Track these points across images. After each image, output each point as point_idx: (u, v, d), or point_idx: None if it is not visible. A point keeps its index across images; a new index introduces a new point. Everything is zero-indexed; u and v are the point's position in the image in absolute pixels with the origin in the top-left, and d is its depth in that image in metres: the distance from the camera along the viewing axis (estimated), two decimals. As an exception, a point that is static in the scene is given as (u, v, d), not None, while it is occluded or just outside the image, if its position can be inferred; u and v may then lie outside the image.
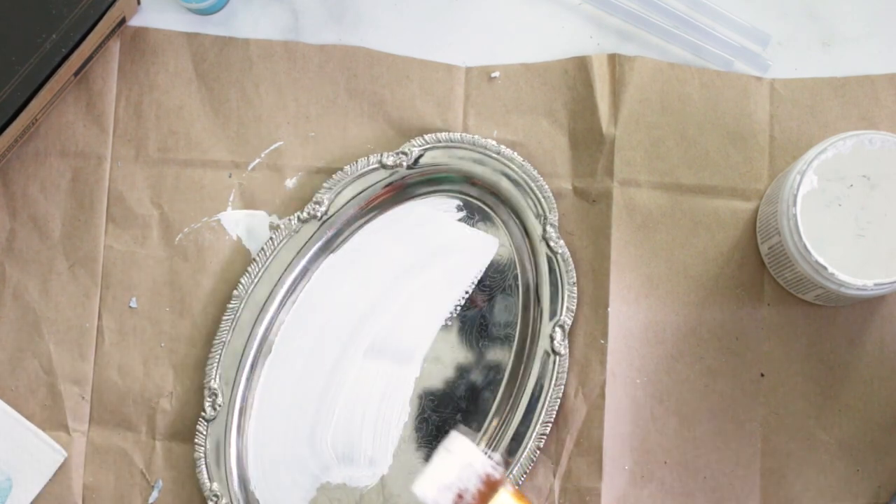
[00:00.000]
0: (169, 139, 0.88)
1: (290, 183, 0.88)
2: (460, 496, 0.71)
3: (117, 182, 0.88)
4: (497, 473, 0.72)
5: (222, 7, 0.89)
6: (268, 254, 0.86)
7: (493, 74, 0.88)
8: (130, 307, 0.87)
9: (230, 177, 0.88)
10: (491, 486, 0.71)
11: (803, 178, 0.78)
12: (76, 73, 0.86)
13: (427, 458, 0.85)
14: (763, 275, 0.86)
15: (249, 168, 0.88)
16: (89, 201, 0.88)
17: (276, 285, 0.86)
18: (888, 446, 0.85)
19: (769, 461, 0.85)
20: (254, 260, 0.86)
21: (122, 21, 0.88)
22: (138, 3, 0.88)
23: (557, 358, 0.84)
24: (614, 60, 0.88)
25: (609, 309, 0.85)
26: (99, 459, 0.86)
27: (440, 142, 0.86)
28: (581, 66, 0.88)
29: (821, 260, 0.77)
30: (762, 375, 0.85)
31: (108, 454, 0.86)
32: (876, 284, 0.77)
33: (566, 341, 0.85)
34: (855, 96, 0.87)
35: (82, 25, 0.83)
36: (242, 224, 0.87)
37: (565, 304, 0.85)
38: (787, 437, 0.85)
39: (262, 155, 0.88)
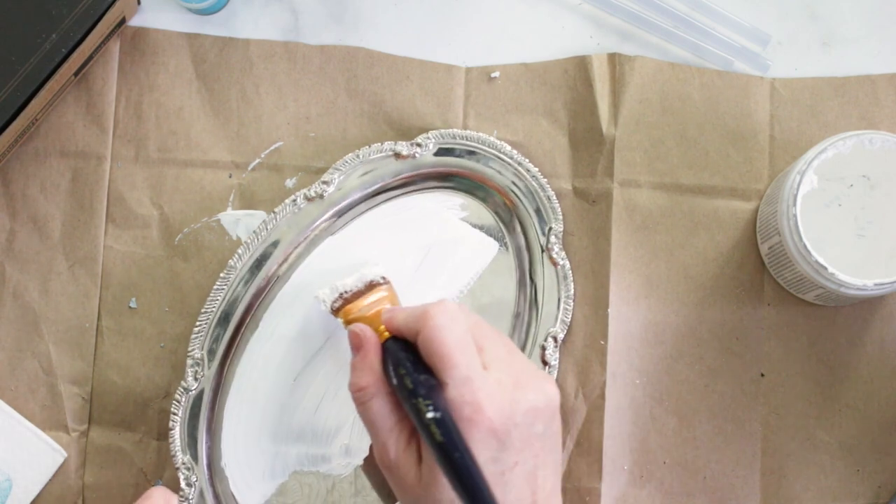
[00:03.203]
0: (169, 139, 0.88)
1: (290, 183, 0.88)
2: (342, 295, 0.80)
3: (117, 182, 0.88)
4: (379, 279, 0.80)
5: (222, 7, 0.89)
6: (269, 227, 0.85)
7: (493, 74, 0.88)
8: (130, 307, 0.87)
9: (230, 177, 0.88)
10: (370, 287, 0.80)
11: (803, 178, 0.78)
12: (76, 73, 0.86)
13: None
14: (763, 275, 0.86)
15: (249, 168, 0.88)
16: (89, 201, 0.87)
17: (270, 260, 0.84)
18: (888, 446, 0.85)
19: (769, 461, 0.85)
20: (254, 232, 0.85)
21: (122, 21, 0.88)
22: (138, 3, 0.88)
23: (548, 369, 0.84)
24: (614, 60, 0.88)
25: (609, 309, 0.85)
26: (99, 459, 0.86)
27: (455, 138, 0.86)
28: (581, 65, 0.87)
29: (821, 260, 0.77)
30: (762, 375, 0.85)
31: (108, 454, 0.86)
32: (876, 284, 0.77)
33: (557, 353, 0.84)
34: (855, 96, 0.87)
35: (82, 25, 0.83)
36: (242, 224, 0.87)
37: (559, 316, 0.85)
38: (787, 437, 0.85)
39: (262, 155, 0.88)
